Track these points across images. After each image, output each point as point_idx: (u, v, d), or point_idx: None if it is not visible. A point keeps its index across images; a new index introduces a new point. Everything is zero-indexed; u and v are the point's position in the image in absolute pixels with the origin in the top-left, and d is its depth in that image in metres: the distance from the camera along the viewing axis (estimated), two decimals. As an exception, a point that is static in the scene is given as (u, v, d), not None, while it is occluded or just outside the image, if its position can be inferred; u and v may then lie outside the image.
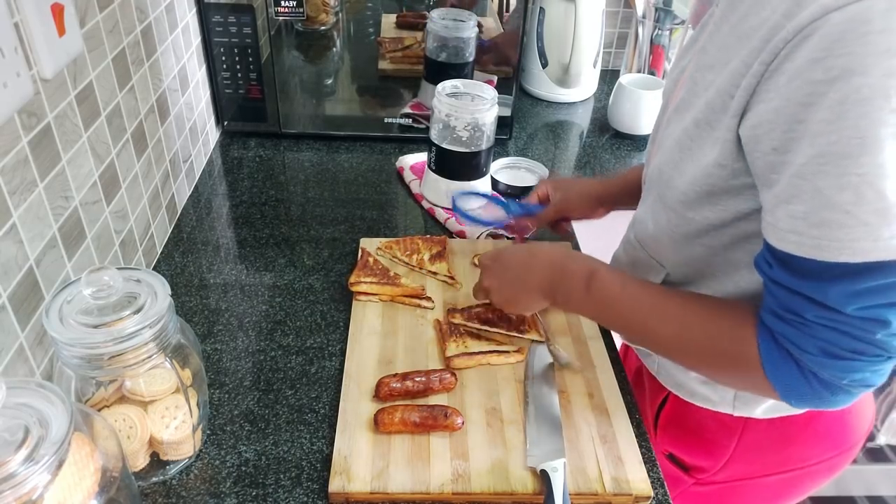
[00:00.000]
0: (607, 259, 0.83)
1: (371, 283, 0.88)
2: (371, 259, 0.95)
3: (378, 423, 0.73)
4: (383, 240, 1.02)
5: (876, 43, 0.46)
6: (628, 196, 0.91)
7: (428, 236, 1.04)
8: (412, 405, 0.74)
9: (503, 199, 1.08)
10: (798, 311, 0.55)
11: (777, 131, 0.52)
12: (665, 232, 0.71)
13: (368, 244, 1.02)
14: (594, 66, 1.54)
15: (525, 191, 1.17)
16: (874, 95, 0.46)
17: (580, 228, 1.10)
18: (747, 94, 0.55)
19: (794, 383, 0.57)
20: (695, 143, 0.62)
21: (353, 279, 0.91)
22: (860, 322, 0.53)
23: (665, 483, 0.72)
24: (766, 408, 0.75)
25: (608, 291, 0.69)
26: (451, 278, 0.96)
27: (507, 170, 1.24)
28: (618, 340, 0.90)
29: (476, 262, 0.98)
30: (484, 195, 1.09)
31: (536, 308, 0.79)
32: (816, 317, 0.54)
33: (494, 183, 1.19)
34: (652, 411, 0.88)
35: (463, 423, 0.73)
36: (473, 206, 1.03)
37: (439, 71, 1.27)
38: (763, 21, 0.54)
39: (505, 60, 1.31)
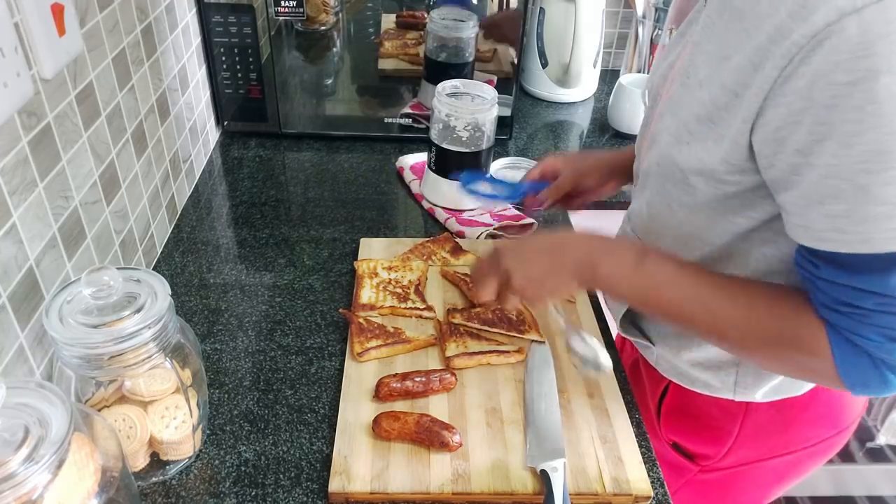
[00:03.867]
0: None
1: (379, 346, 0.83)
2: (362, 321, 0.87)
3: (376, 431, 0.73)
4: (384, 261, 0.97)
5: None
6: None
7: (431, 237, 1.04)
8: (409, 425, 0.72)
9: (508, 180, 1.03)
10: (854, 303, 0.56)
11: (800, 133, 0.53)
12: (668, 224, 0.71)
13: (366, 245, 1.02)
14: (594, 66, 1.54)
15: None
16: None
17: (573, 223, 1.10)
18: (760, 98, 0.55)
19: (866, 373, 0.58)
20: (694, 137, 0.62)
21: (357, 349, 0.82)
22: None
23: (665, 483, 0.72)
24: (766, 391, 0.76)
25: (663, 270, 0.66)
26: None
27: (507, 170, 1.24)
28: (614, 331, 0.90)
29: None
30: (490, 177, 1.05)
31: (564, 291, 0.75)
32: (876, 304, 0.55)
33: (495, 183, 1.19)
34: (654, 402, 0.88)
35: (461, 444, 0.72)
36: (481, 186, 0.99)
37: (439, 71, 1.27)
38: (762, 17, 0.54)
39: (505, 38, 1.28)
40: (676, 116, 0.65)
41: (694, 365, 0.78)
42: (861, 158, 0.50)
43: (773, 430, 0.80)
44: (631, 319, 0.83)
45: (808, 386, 0.76)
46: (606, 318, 0.94)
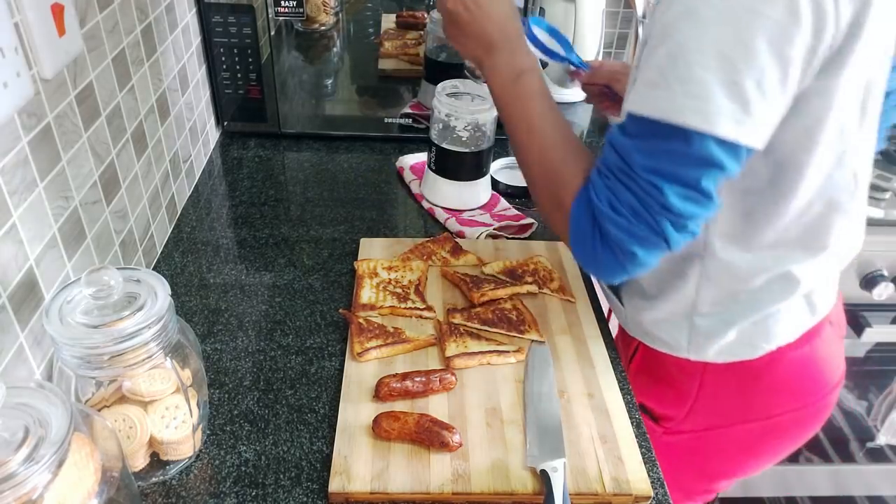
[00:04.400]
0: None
1: (379, 346, 0.83)
2: (362, 321, 0.87)
3: (376, 431, 0.73)
4: (384, 261, 0.97)
5: None
6: None
7: (431, 237, 1.04)
8: (409, 425, 0.72)
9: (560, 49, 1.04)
10: (605, 161, 0.65)
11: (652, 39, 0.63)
12: None
13: (366, 245, 1.02)
14: (594, 67, 1.54)
15: (526, 190, 1.17)
16: None
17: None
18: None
19: (584, 229, 0.66)
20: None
21: (357, 349, 0.83)
22: (643, 182, 0.61)
23: (664, 483, 0.72)
24: (718, 350, 0.80)
25: (526, 92, 0.76)
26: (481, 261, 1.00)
27: (507, 170, 1.24)
28: (605, 304, 0.94)
29: None
30: (556, 30, 1.03)
31: (464, 54, 0.83)
32: (615, 167, 0.64)
33: (495, 183, 1.19)
34: (625, 364, 0.91)
35: (461, 444, 0.72)
36: (544, 37, 1.00)
37: (439, 71, 1.27)
38: None
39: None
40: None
41: (653, 323, 0.82)
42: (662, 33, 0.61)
43: (730, 394, 0.84)
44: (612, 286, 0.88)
45: (759, 351, 0.79)
46: (608, 319, 0.94)
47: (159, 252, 1.03)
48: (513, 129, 0.77)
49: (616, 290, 0.87)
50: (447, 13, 0.79)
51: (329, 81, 1.39)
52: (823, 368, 0.83)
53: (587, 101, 1.09)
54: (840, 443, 1.79)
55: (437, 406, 0.77)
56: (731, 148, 0.58)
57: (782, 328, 0.78)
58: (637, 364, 0.91)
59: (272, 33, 1.23)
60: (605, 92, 1.02)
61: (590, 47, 1.49)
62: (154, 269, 1.00)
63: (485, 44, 0.78)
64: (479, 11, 0.77)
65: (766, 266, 0.73)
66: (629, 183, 0.62)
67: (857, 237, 0.77)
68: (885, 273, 1.37)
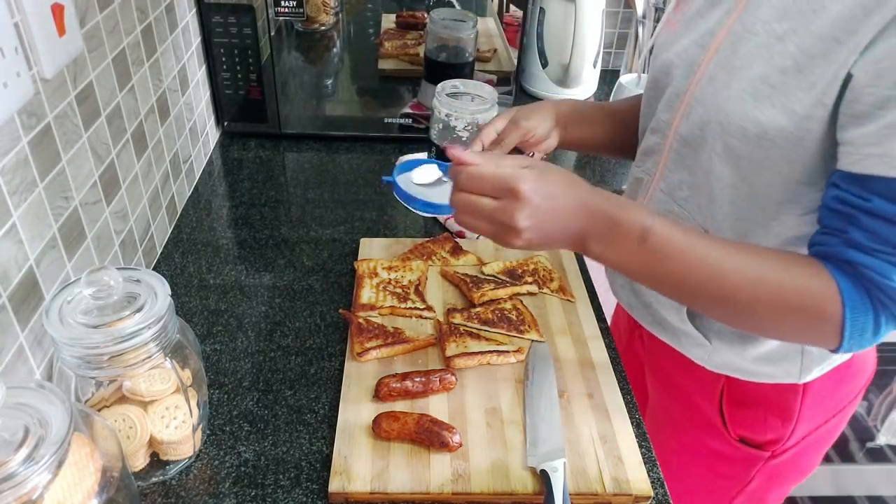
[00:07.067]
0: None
1: (379, 346, 0.83)
2: (361, 321, 0.87)
3: (376, 431, 0.73)
4: (384, 261, 0.97)
5: None
6: (606, 120, 0.91)
7: (431, 237, 1.04)
8: (409, 425, 0.72)
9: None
10: (894, 241, 0.57)
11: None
12: (726, 191, 0.71)
13: (366, 245, 1.02)
14: (594, 66, 1.54)
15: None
16: None
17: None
18: (876, 30, 0.56)
19: (865, 321, 0.59)
20: (778, 90, 0.63)
21: (357, 349, 0.82)
22: None
23: (664, 483, 0.72)
24: (823, 367, 0.79)
25: (670, 244, 0.62)
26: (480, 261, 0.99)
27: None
28: (607, 306, 0.89)
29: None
30: (430, 161, 0.82)
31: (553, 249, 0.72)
32: None
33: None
34: (712, 402, 0.86)
35: (461, 444, 0.72)
36: (425, 179, 0.79)
37: (439, 71, 1.27)
38: None
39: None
40: (747, 74, 0.65)
41: (756, 360, 0.79)
42: None
43: (826, 394, 0.82)
44: (690, 315, 0.81)
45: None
46: (606, 317, 0.94)
47: (159, 252, 1.03)
48: (702, 294, 0.64)
49: (702, 329, 0.81)
50: (520, 248, 0.64)
51: (329, 82, 1.39)
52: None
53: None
54: (840, 443, 1.79)
55: (437, 406, 0.77)
56: None
57: None
58: (730, 399, 0.85)
59: (272, 33, 1.23)
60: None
61: (590, 47, 1.49)
62: (154, 269, 1.00)
63: (573, 239, 0.64)
64: (544, 231, 0.62)
65: None
66: None
67: None
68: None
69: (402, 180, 0.77)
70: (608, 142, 0.93)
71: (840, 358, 0.79)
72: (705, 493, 0.93)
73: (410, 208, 0.77)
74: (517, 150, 0.87)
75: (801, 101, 0.62)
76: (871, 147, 0.57)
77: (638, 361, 0.97)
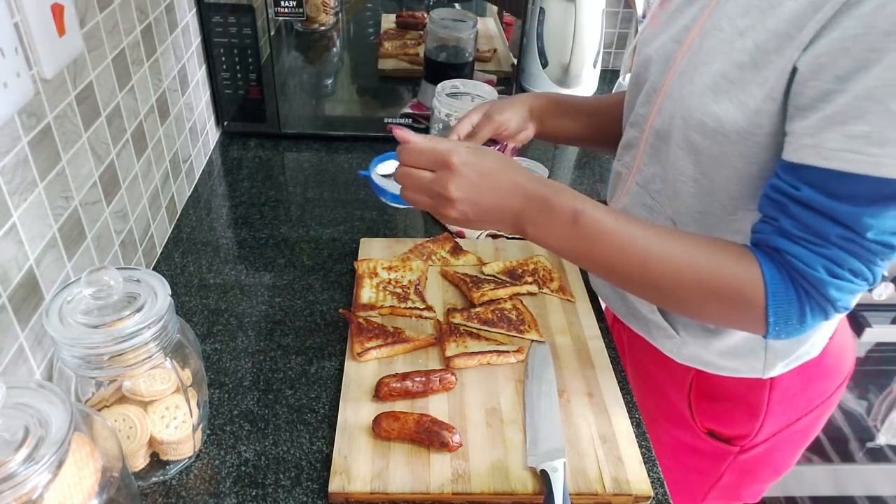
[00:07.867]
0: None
1: (379, 346, 0.83)
2: (361, 321, 0.87)
3: (376, 431, 0.73)
4: (384, 261, 0.97)
5: None
6: (582, 114, 0.92)
7: (431, 237, 1.04)
8: (409, 425, 0.72)
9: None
10: (818, 230, 0.58)
11: (845, 60, 0.54)
12: (688, 184, 0.72)
13: (366, 245, 1.02)
14: (594, 66, 1.54)
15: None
16: None
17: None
18: (819, 25, 0.56)
19: (789, 309, 0.61)
20: (735, 85, 0.63)
21: (357, 349, 0.82)
22: (873, 244, 0.57)
23: (664, 483, 0.72)
24: (787, 362, 0.79)
25: (599, 227, 0.64)
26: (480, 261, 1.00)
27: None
28: (606, 305, 0.90)
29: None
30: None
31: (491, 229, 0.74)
32: (838, 237, 0.57)
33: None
34: (680, 394, 0.88)
35: (461, 444, 0.72)
36: (390, 171, 0.82)
37: (439, 71, 1.27)
38: None
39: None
40: (709, 69, 0.66)
41: (721, 353, 0.80)
42: None
43: (795, 392, 0.82)
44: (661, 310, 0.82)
45: (819, 348, 0.79)
46: (607, 318, 0.94)
47: (159, 252, 1.03)
48: (629, 277, 0.66)
49: (670, 321, 0.82)
50: (457, 222, 0.68)
51: (329, 81, 1.39)
52: (849, 339, 0.86)
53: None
54: (840, 442, 1.79)
55: (437, 406, 0.77)
56: None
57: (835, 320, 0.79)
58: (698, 392, 0.86)
59: (272, 33, 1.23)
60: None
61: (590, 47, 1.49)
62: (154, 269, 1.00)
63: (510, 220, 0.67)
64: (479, 204, 0.66)
65: None
66: (853, 248, 0.57)
67: None
68: (885, 273, 1.37)
69: (374, 174, 0.83)
70: (588, 135, 0.95)
71: (806, 354, 0.79)
72: (680, 488, 0.93)
73: (384, 200, 0.82)
74: (492, 142, 0.91)
75: (753, 96, 0.62)
76: (807, 138, 0.58)
77: (621, 354, 0.98)
